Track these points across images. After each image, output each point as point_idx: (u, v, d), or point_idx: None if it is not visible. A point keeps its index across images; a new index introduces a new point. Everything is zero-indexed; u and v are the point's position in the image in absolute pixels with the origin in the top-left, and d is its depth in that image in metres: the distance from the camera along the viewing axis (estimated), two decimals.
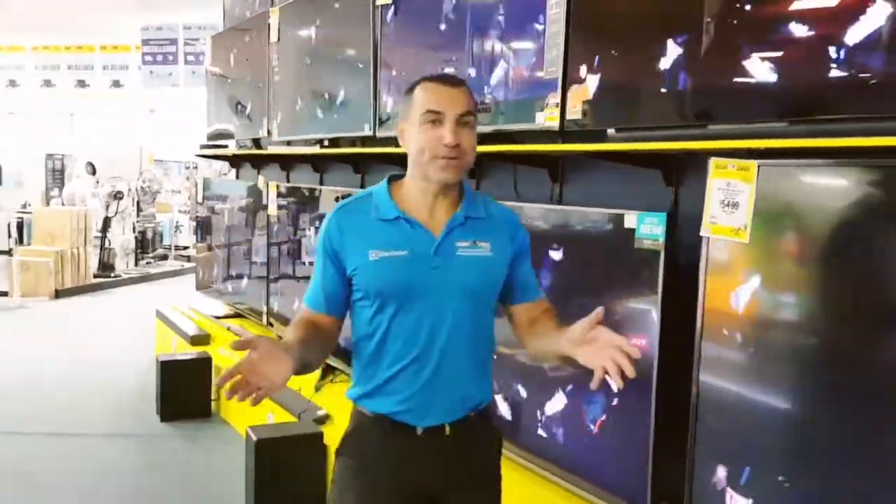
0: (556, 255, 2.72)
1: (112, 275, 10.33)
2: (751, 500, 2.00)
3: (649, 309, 2.31)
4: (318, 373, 4.30)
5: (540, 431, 2.74)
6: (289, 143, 5.20)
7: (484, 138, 2.64)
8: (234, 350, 1.50)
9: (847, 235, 1.84)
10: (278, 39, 4.99)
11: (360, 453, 1.76)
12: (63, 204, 11.19)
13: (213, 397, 4.96)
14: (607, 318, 1.58)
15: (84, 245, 9.79)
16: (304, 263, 4.68)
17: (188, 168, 16.48)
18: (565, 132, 2.69)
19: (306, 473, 3.48)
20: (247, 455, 3.52)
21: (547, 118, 2.75)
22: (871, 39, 1.75)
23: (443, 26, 3.31)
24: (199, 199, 6.63)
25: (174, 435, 4.66)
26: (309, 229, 4.60)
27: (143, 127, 15.56)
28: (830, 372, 1.89)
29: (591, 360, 1.52)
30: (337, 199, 4.14)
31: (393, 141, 3.79)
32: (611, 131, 2.51)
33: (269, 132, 5.22)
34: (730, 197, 2.05)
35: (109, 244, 10.45)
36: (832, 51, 1.82)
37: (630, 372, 1.46)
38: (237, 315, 5.90)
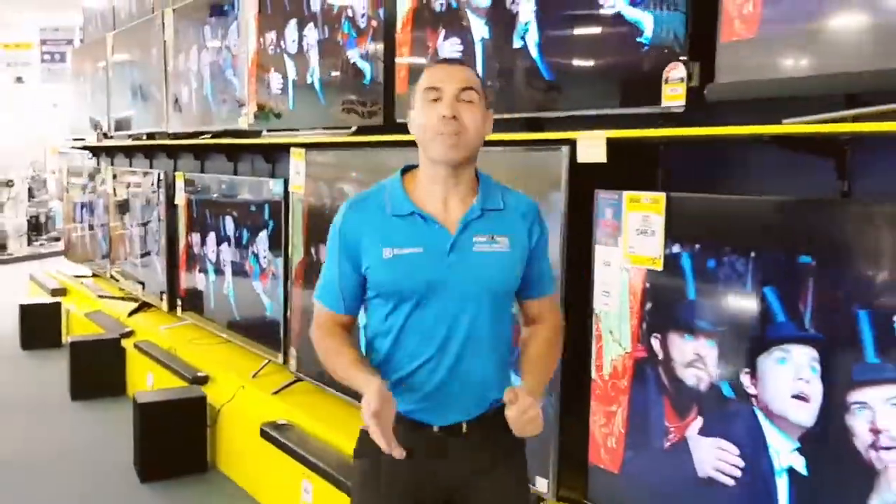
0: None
1: (5, 254, 11.64)
2: None
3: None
4: (135, 304, 5.87)
5: None
6: (130, 137, 6.72)
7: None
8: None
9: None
10: (112, 54, 6.53)
11: (377, 453, 1.60)
12: None
13: (63, 333, 6.47)
14: None
15: None
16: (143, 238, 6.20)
17: (90, 159, 17.62)
18: (253, 130, 4.34)
19: (106, 366, 5.09)
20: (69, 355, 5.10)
21: (241, 121, 4.41)
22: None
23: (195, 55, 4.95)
24: (65, 185, 8.09)
25: (29, 357, 6.20)
26: (139, 205, 6.08)
27: (46, 120, 16.51)
28: None
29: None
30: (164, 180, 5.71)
31: (187, 135, 5.35)
32: (264, 132, 4.18)
33: (108, 127, 6.75)
34: (298, 169, 3.72)
35: (2, 227, 11.74)
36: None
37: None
38: (94, 275, 7.41)
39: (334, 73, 3.57)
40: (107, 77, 6.67)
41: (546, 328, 1.78)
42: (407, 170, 1.74)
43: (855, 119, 1.85)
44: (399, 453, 1.54)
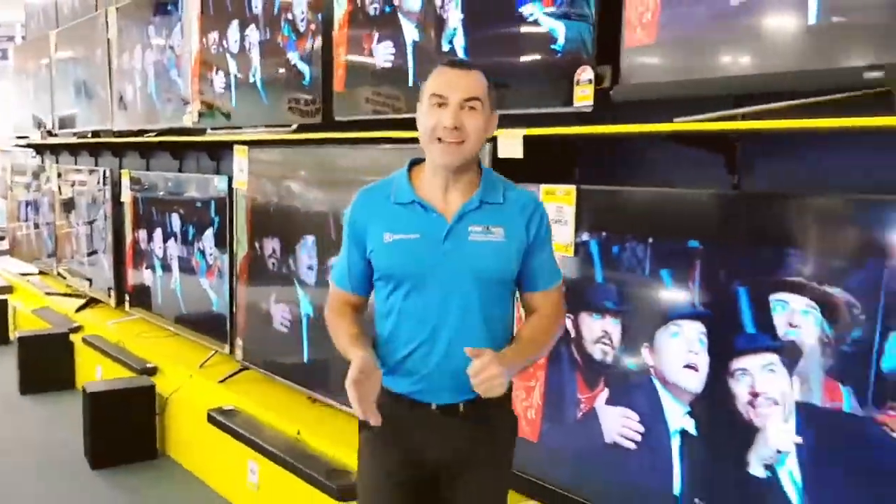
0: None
1: None
2: None
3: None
4: (82, 301, 5.93)
5: None
6: (75, 135, 6.74)
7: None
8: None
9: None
10: (56, 52, 6.56)
11: (379, 425, 1.70)
12: None
13: (11, 329, 6.49)
14: None
15: None
16: (87, 235, 6.25)
17: (34, 157, 17.35)
18: (197, 128, 4.46)
19: (55, 361, 5.16)
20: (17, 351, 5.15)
21: (185, 119, 4.53)
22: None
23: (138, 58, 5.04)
24: (8, 183, 8.06)
25: None
26: (85, 203, 6.13)
27: None
28: None
29: None
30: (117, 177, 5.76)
31: (132, 133, 5.43)
32: (208, 130, 4.31)
33: (52, 125, 6.78)
34: (241, 166, 3.85)
35: None
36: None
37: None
38: (41, 273, 7.42)
39: (275, 73, 3.71)
40: (50, 75, 6.69)
41: (539, 316, 1.82)
42: (415, 163, 1.82)
43: (744, 118, 2.06)
44: (375, 420, 1.64)
